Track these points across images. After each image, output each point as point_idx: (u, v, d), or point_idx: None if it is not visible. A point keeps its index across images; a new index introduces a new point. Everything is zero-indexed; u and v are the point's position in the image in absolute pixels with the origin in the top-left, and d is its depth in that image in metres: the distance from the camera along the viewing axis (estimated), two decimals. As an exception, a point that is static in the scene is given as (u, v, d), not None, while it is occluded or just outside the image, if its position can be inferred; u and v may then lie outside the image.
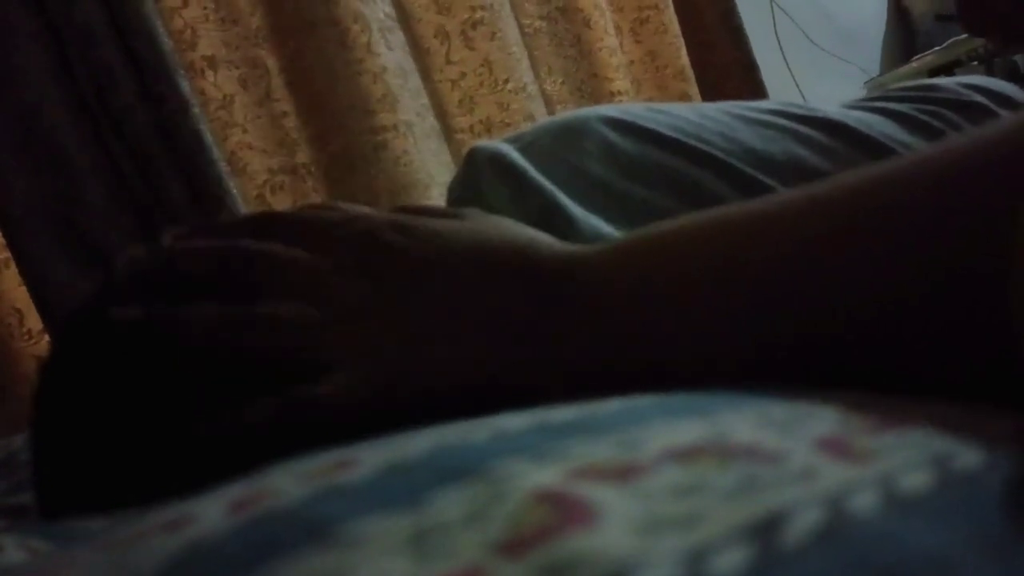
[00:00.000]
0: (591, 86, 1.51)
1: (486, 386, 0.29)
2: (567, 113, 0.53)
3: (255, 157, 1.17)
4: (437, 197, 1.22)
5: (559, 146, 0.49)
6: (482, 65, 1.35)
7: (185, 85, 1.06)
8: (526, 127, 0.56)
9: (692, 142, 0.48)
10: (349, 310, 0.30)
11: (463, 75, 1.36)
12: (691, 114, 0.51)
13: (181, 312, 0.31)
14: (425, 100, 1.32)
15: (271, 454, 0.26)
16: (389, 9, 1.30)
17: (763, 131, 0.50)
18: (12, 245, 1.00)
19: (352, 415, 0.29)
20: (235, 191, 1.07)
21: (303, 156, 1.23)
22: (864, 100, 0.60)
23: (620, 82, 1.52)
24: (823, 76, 1.92)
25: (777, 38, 1.89)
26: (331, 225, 0.33)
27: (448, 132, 1.35)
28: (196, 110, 1.06)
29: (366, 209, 0.35)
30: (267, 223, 0.34)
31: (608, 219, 0.45)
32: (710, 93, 1.63)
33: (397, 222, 0.32)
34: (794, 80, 1.88)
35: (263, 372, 0.30)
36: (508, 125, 1.35)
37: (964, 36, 1.79)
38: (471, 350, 0.29)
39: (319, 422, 0.29)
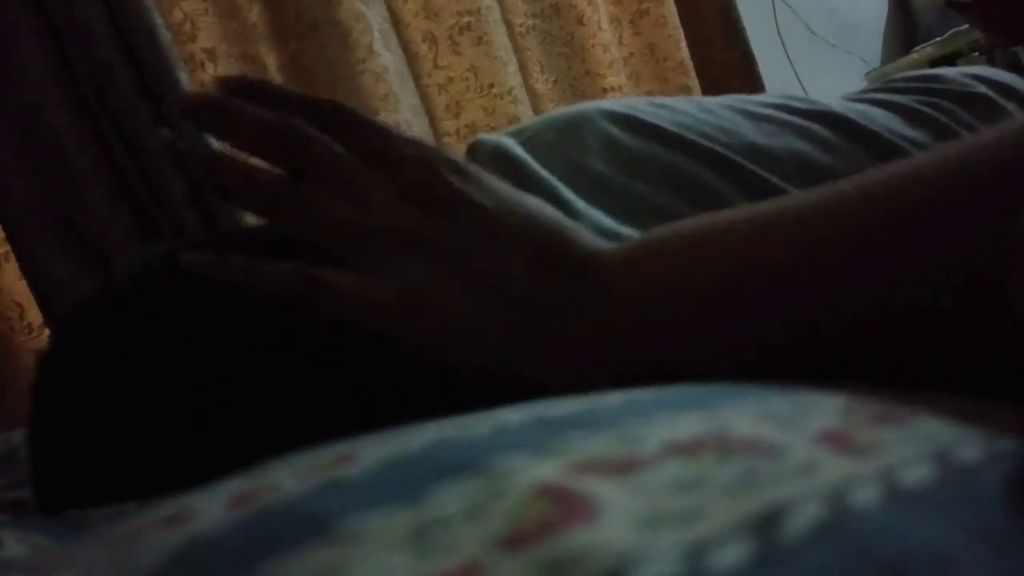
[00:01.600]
0: (584, 83, 1.51)
1: (486, 347, 0.29)
2: (569, 107, 0.53)
3: (256, 152, 1.17)
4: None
5: (560, 140, 0.49)
6: (468, 70, 1.37)
7: (185, 79, 1.05)
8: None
9: (693, 137, 0.48)
10: (389, 227, 0.31)
11: (450, 80, 1.37)
12: (693, 109, 0.51)
13: (257, 267, 0.31)
14: (417, 102, 1.33)
15: (259, 335, 0.26)
16: (385, 12, 1.30)
17: (765, 126, 0.50)
18: (12, 243, 1.00)
19: (357, 315, 0.30)
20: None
21: (303, 153, 1.23)
22: (866, 92, 0.60)
23: (614, 78, 1.52)
24: (824, 67, 1.92)
25: (778, 29, 1.89)
26: (396, 143, 0.33)
27: (436, 136, 1.36)
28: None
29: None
30: (337, 117, 0.33)
31: (609, 213, 0.45)
32: (709, 88, 1.63)
33: (457, 164, 0.32)
34: (795, 72, 1.87)
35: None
36: (493, 129, 1.36)
37: (965, 27, 1.79)
38: (485, 310, 0.29)
39: (327, 304, 0.30)
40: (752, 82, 1.63)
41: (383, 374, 0.31)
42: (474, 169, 0.33)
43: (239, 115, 0.33)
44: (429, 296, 0.30)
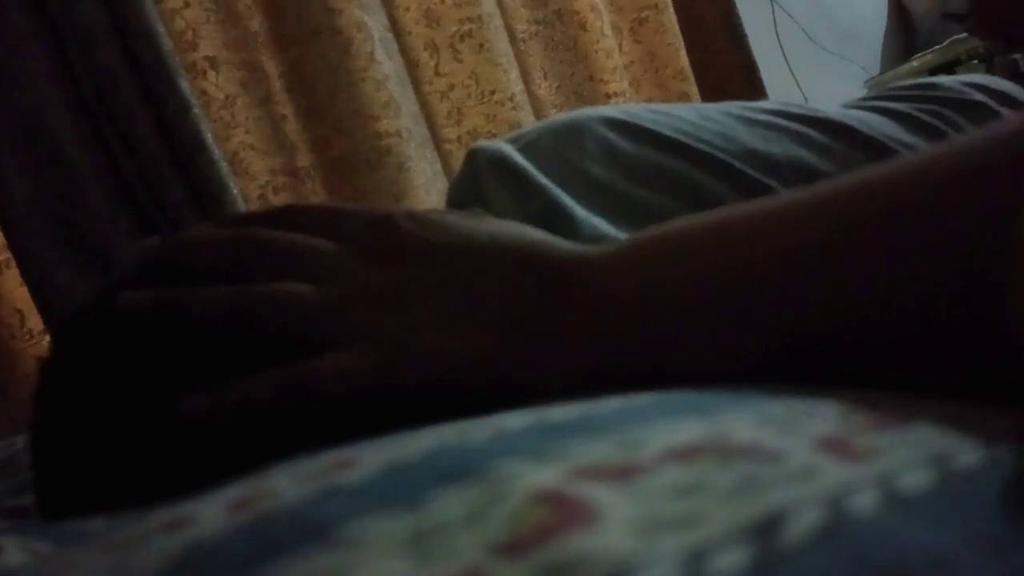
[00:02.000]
0: (587, 89, 1.52)
1: (485, 379, 0.29)
2: (568, 113, 0.53)
3: (257, 158, 1.18)
4: (435, 203, 1.23)
5: (559, 146, 0.49)
6: (469, 77, 1.37)
7: (186, 86, 1.06)
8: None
9: (692, 143, 0.48)
10: (356, 292, 0.30)
11: (451, 87, 1.38)
12: (692, 115, 0.51)
13: (190, 294, 0.31)
14: (418, 109, 1.33)
15: (270, 438, 0.26)
16: (386, 20, 1.31)
17: (764, 132, 0.50)
18: (13, 246, 1.00)
19: (350, 393, 0.29)
20: (236, 192, 1.07)
21: (304, 159, 1.23)
22: (865, 99, 0.60)
23: (617, 84, 1.52)
24: (824, 75, 1.92)
25: (778, 37, 1.89)
26: (345, 213, 0.33)
27: (437, 143, 1.36)
28: (197, 111, 1.06)
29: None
30: (280, 213, 0.34)
31: (608, 219, 0.45)
32: (710, 94, 1.63)
33: (412, 213, 0.32)
34: (795, 79, 1.88)
35: (268, 353, 0.30)
36: (494, 136, 1.36)
37: (964, 35, 1.79)
38: (474, 342, 0.29)
39: (317, 396, 0.29)
40: (755, 88, 1.63)
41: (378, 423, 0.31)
42: (429, 214, 0.33)
43: (188, 245, 0.33)
44: (416, 348, 0.29)
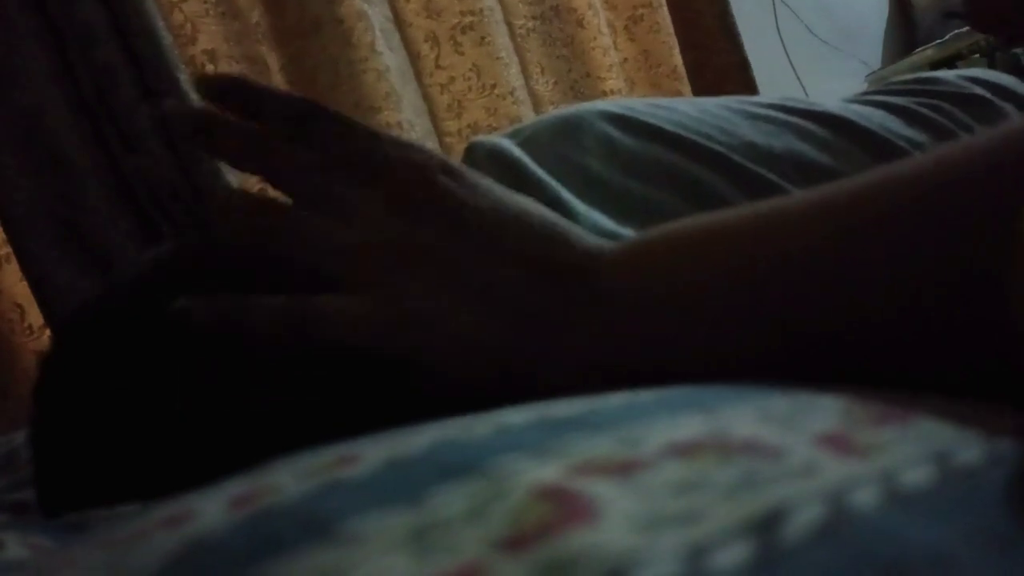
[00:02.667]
0: (584, 86, 1.51)
1: (483, 361, 0.29)
2: (567, 108, 0.53)
3: (256, 153, 1.17)
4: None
5: (558, 141, 0.49)
6: (471, 70, 1.37)
7: (185, 80, 1.05)
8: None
9: (692, 137, 0.48)
10: (378, 240, 0.30)
11: (452, 80, 1.38)
12: (691, 109, 0.51)
13: (248, 307, 0.30)
14: (419, 102, 1.33)
15: (261, 374, 0.26)
16: (388, 12, 1.31)
17: (764, 126, 0.50)
18: (13, 245, 1.00)
19: (347, 337, 0.29)
20: (236, 187, 1.07)
21: (304, 152, 1.23)
22: (865, 94, 0.60)
23: (613, 81, 1.52)
24: (825, 70, 1.92)
25: (779, 32, 1.89)
26: (383, 147, 0.32)
27: (438, 136, 1.36)
28: (196, 104, 1.05)
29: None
30: (324, 124, 0.32)
31: (607, 214, 0.45)
32: (704, 93, 1.63)
33: (448, 165, 0.31)
34: (796, 74, 1.88)
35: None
36: (495, 129, 1.36)
37: (965, 29, 1.79)
38: (478, 321, 0.29)
39: (315, 331, 0.29)
40: (749, 87, 1.64)
41: (377, 384, 0.31)
42: (467, 171, 0.32)
43: (216, 129, 0.32)
44: (423, 312, 0.29)
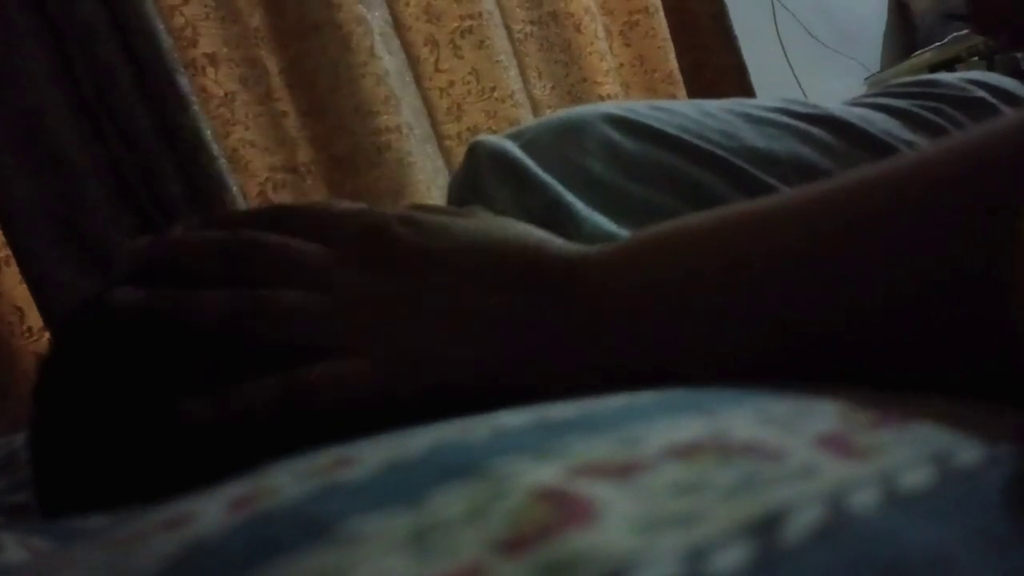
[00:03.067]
0: (581, 90, 1.52)
1: (486, 383, 0.29)
2: (569, 110, 0.53)
3: (256, 155, 1.18)
4: (437, 198, 1.23)
5: (560, 143, 0.49)
6: (470, 73, 1.37)
7: (185, 83, 1.06)
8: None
9: (693, 140, 0.48)
10: (354, 300, 0.30)
11: (451, 83, 1.38)
12: (693, 112, 0.51)
13: (187, 297, 0.31)
14: (418, 105, 1.33)
15: (270, 443, 0.26)
16: (387, 16, 1.31)
17: (765, 129, 0.50)
18: (13, 245, 1.00)
19: (349, 400, 0.29)
20: (236, 189, 1.07)
21: (304, 155, 1.23)
22: (866, 96, 0.60)
23: (610, 86, 1.53)
24: (824, 72, 1.92)
25: (778, 34, 1.89)
26: (340, 217, 0.33)
27: (437, 139, 1.36)
28: (196, 108, 1.06)
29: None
30: (275, 215, 0.34)
31: (609, 216, 0.45)
32: (701, 96, 1.63)
33: (405, 216, 0.32)
34: (795, 76, 1.88)
35: (266, 360, 0.30)
36: (494, 133, 1.36)
37: (964, 32, 1.79)
38: (473, 346, 0.29)
39: (317, 404, 0.29)
40: (744, 90, 1.64)
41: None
42: (426, 217, 0.32)
43: (182, 246, 0.33)
44: (417, 354, 0.29)
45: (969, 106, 0.55)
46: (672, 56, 1.60)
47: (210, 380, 0.30)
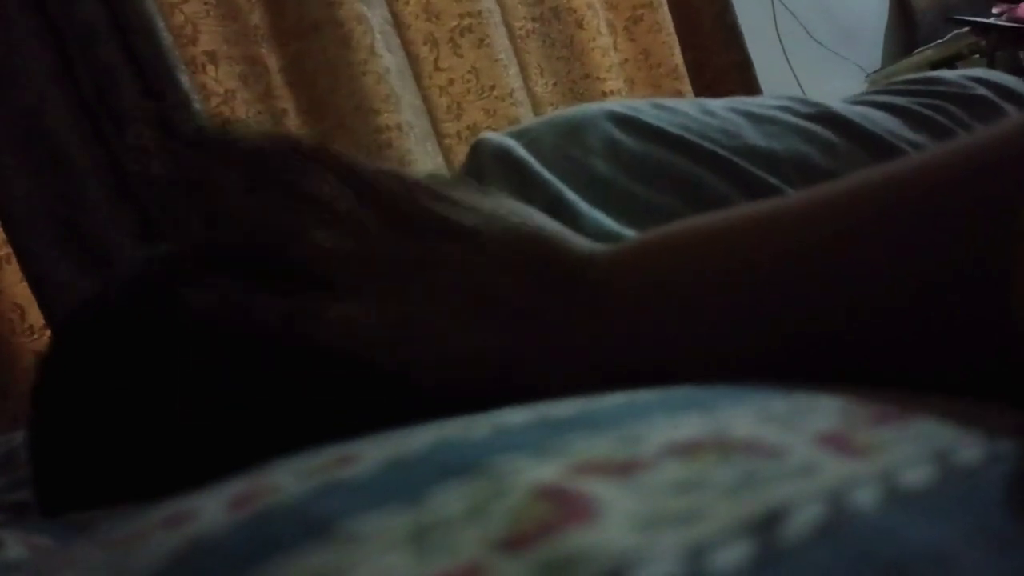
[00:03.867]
0: (584, 87, 1.52)
1: (483, 372, 0.29)
2: (572, 108, 0.53)
3: (256, 153, 1.18)
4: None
5: (563, 142, 0.49)
6: (469, 72, 1.37)
7: (185, 81, 1.05)
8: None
9: (695, 139, 0.48)
10: (377, 256, 0.31)
11: (451, 81, 1.38)
12: (696, 111, 0.51)
13: (255, 300, 0.31)
14: (418, 103, 1.33)
15: (269, 438, 0.26)
16: (387, 14, 1.31)
17: (767, 128, 0.50)
18: (13, 245, 1.00)
19: (349, 343, 0.29)
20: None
21: (304, 154, 1.23)
22: (867, 94, 0.60)
23: (613, 82, 1.53)
24: (824, 71, 1.92)
25: (778, 33, 1.89)
26: (374, 174, 0.33)
27: (437, 137, 1.36)
28: (197, 106, 1.06)
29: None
30: (316, 153, 0.34)
31: (611, 216, 0.45)
32: (705, 92, 1.63)
33: (435, 190, 0.32)
34: (795, 75, 1.88)
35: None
36: (494, 131, 1.36)
37: (965, 30, 1.79)
38: (475, 333, 0.29)
39: (318, 332, 0.30)
40: (749, 87, 1.64)
41: (375, 388, 0.31)
42: (454, 191, 0.33)
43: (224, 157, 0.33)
44: (420, 323, 0.30)
45: (971, 104, 0.55)
46: (677, 51, 1.60)
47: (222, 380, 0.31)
